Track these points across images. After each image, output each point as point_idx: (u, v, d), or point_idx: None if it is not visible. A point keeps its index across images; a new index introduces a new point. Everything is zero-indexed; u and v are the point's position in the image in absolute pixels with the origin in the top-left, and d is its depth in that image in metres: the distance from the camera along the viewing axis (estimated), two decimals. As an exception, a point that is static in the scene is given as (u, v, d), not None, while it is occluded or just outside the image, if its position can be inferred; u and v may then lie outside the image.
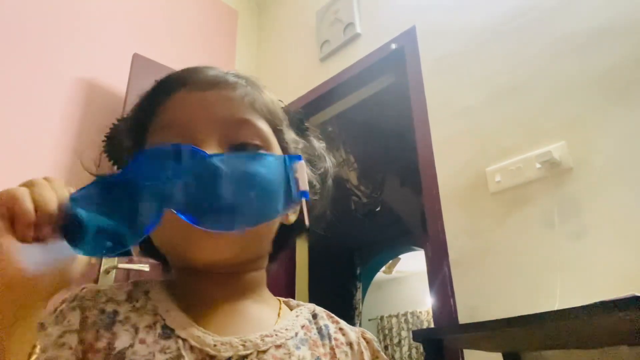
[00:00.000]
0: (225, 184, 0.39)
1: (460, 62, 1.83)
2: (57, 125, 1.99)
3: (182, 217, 0.37)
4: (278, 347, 0.46)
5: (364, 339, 0.55)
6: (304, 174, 0.42)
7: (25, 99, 1.93)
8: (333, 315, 0.57)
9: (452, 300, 1.55)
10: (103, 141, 0.58)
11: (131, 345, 0.41)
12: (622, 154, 1.33)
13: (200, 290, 0.48)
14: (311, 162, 0.57)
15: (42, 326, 0.42)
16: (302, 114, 0.61)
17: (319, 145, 0.61)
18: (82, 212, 0.36)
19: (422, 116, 1.87)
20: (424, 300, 6.37)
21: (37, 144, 1.91)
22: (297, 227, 0.55)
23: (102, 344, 0.41)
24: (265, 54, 2.96)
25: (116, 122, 0.57)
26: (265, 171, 0.41)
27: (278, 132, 0.53)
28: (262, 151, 0.49)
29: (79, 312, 0.43)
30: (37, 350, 0.35)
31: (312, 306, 0.56)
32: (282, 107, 0.58)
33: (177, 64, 2.44)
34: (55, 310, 0.44)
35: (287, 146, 0.54)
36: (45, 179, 0.37)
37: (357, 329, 0.57)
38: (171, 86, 0.50)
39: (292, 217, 0.53)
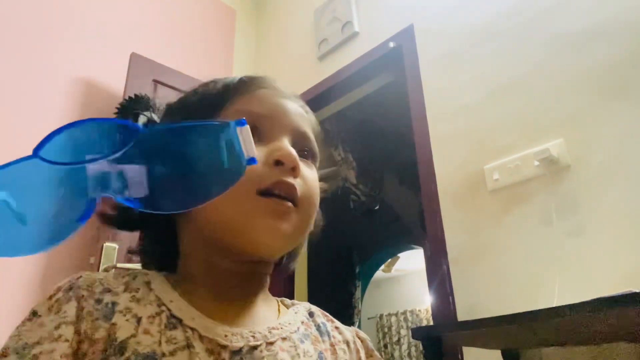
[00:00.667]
0: (165, 159, 0.36)
1: (458, 60, 1.84)
2: (54, 124, 1.98)
3: (125, 203, 0.35)
4: (284, 339, 0.47)
5: (359, 338, 0.56)
6: (250, 139, 0.38)
7: (23, 98, 1.93)
8: (327, 314, 0.58)
9: (451, 298, 1.55)
10: (127, 100, 0.59)
11: (134, 335, 0.41)
12: (620, 152, 1.33)
13: (216, 285, 0.48)
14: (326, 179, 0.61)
15: (35, 314, 0.41)
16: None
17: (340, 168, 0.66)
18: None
19: (420, 114, 1.87)
20: (423, 298, 6.37)
21: (35, 143, 1.90)
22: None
23: (100, 334, 0.40)
24: (263, 53, 2.96)
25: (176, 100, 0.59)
26: (208, 140, 0.38)
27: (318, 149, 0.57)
28: (312, 160, 0.54)
29: (75, 302, 0.42)
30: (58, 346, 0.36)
31: (308, 305, 0.57)
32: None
33: (175, 64, 2.45)
34: (50, 297, 0.43)
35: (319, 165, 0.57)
36: None
37: (351, 328, 0.58)
38: (255, 84, 0.54)
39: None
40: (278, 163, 0.46)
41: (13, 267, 1.68)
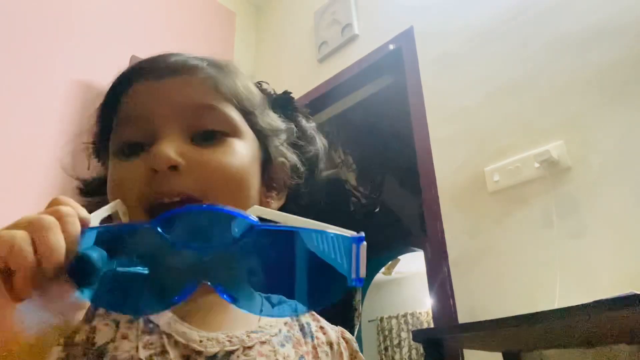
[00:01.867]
0: (274, 261, 0.33)
1: (458, 62, 1.84)
2: (53, 127, 1.99)
3: (222, 295, 0.33)
4: (263, 343, 0.46)
5: (344, 338, 0.55)
6: (364, 258, 0.34)
7: (22, 101, 1.93)
8: (314, 313, 0.56)
9: (451, 300, 1.55)
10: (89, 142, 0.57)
11: (112, 340, 0.40)
12: (620, 153, 1.33)
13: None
14: (297, 145, 0.54)
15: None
16: (288, 95, 0.58)
17: (309, 125, 0.57)
18: (95, 255, 0.29)
19: (421, 116, 1.88)
20: (423, 301, 6.36)
21: (33, 146, 1.91)
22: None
23: (80, 337, 0.40)
24: (263, 56, 2.96)
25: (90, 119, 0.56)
26: (324, 250, 0.33)
27: (250, 116, 0.49)
28: (228, 137, 0.45)
29: None
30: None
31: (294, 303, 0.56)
32: (264, 89, 0.55)
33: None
34: None
35: (262, 130, 0.50)
36: (55, 209, 0.30)
37: (337, 328, 0.56)
38: (131, 76, 0.49)
39: (276, 205, 0.51)
40: (155, 171, 0.41)
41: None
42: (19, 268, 0.26)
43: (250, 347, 0.44)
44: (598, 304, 0.86)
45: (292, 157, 0.52)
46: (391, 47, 2.12)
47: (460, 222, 1.63)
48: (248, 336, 0.45)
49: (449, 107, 1.80)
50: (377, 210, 3.81)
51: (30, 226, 0.27)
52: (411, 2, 2.13)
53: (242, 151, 0.46)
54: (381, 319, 6.81)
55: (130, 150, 0.45)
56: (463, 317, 1.50)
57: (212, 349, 0.42)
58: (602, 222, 1.31)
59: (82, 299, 0.30)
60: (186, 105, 0.45)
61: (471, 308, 1.50)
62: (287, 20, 2.89)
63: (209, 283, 0.32)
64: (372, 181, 3.74)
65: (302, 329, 0.52)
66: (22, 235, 0.27)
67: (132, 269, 0.31)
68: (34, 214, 0.29)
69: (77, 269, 0.29)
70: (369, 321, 6.78)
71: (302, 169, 0.53)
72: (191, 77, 0.47)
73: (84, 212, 0.31)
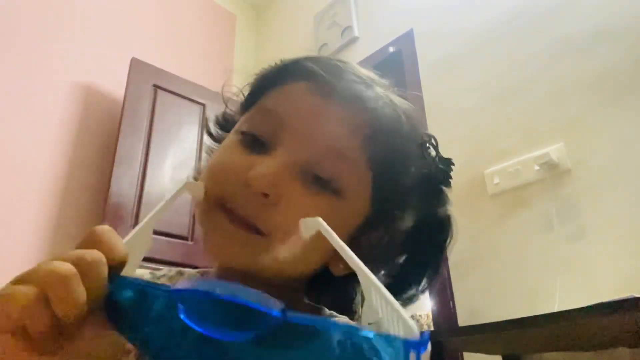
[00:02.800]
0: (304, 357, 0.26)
1: (458, 64, 1.84)
2: (55, 130, 1.99)
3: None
4: None
5: None
6: None
7: (23, 103, 1.93)
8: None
9: (451, 302, 1.55)
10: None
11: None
12: (620, 155, 1.33)
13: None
14: (425, 228, 0.48)
15: None
16: (448, 163, 0.50)
17: (447, 209, 0.50)
18: (128, 296, 0.27)
19: (420, 119, 1.87)
20: (423, 303, 6.35)
21: (34, 148, 1.91)
22: (346, 281, 0.46)
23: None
24: (263, 58, 2.96)
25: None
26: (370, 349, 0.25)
27: (381, 181, 0.42)
28: (333, 194, 0.40)
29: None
30: None
31: (345, 319, 0.51)
32: (427, 150, 0.48)
33: (175, 68, 2.45)
34: None
35: (383, 200, 0.43)
36: (80, 256, 0.26)
37: None
38: (297, 72, 0.44)
39: (341, 271, 0.44)
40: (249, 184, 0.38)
41: (12, 267, 1.68)
42: (34, 330, 0.24)
43: None
44: (598, 307, 0.86)
45: (397, 238, 0.45)
46: (391, 49, 2.12)
47: (461, 224, 1.60)
48: None
49: (448, 110, 1.80)
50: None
51: (44, 281, 0.25)
52: (411, 4, 2.13)
53: (340, 217, 0.40)
54: (381, 321, 6.81)
55: (252, 140, 0.42)
56: (463, 320, 1.50)
57: None
58: (602, 225, 1.31)
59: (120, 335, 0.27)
60: (324, 140, 0.40)
61: (471, 311, 1.50)
62: (287, 23, 2.89)
63: None
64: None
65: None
66: (35, 295, 0.24)
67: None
68: (51, 261, 0.26)
69: (111, 307, 0.27)
70: (369, 324, 6.77)
71: (397, 255, 0.47)
72: (353, 114, 0.41)
73: (119, 248, 0.28)
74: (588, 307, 0.87)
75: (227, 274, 0.44)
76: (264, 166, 0.39)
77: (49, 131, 1.97)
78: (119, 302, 0.27)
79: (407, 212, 0.45)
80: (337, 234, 0.37)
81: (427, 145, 0.49)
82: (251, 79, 0.49)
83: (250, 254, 0.39)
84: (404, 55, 2.05)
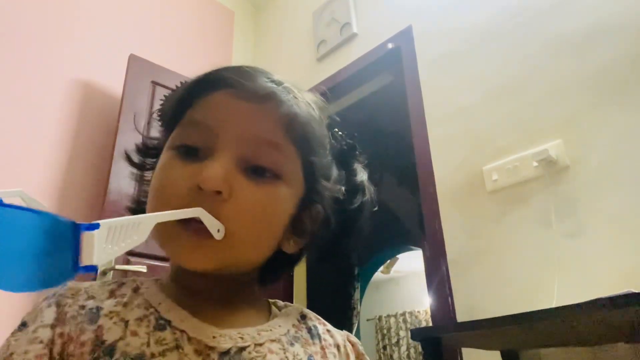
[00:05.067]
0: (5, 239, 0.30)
1: (457, 61, 1.84)
2: (53, 126, 1.98)
3: None
4: (273, 341, 0.46)
5: (350, 342, 0.56)
6: (96, 245, 0.32)
7: (21, 100, 1.92)
8: (320, 317, 0.57)
9: (450, 299, 1.55)
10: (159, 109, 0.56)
11: (122, 338, 0.41)
12: (619, 152, 1.34)
13: (195, 285, 0.48)
14: (346, 195, 0.54)
15: (24, 324, 0.42)
16: (355, 147, 0.58)
17: (361, 178, 0.57)
18: None
19: (419, 116, 1.88)
20: (422, 299, 6.37)
21: (33, 145, 1.90)
22: (295, 259, 0.54)
23: (86, 336, 0.41)
24: (261, 54, 2.96)
25: (166, 97, 0.56)
26: (42, 236, 0.31)
27: (308, 162, 0.49)
28: (278, 180, 0.46)
29: (55, 307, 0.43)
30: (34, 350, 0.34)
31: (300, 307, 0.56)
32: (336, 136, 0.55)
33: (173, 65, 2.44)
34: (35, 307, 0.44)
35: (313, 178, 0.50)
36: None
37: (342, 332, 0.57)
38: (215, 83, 0.48)
39: (292, 248, 0.50)
40: (200, 188, 0.42)
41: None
42: None
43: (261, 344, 0.45)
44: (596, 303, 0.86)
45: (329, 209, 0.51)
46: (390, 46, 2.12)
47: (459, 221, 1.63)
48: (259, 333, 0.46)
49: (447, 106, 1.80)
50: (376, 209, 3.81)
51: None
52: (410, 1, 2.13)
53: (285, 198, 0.47)
54: (380, 318, 6.82)
55: (186, 151, 0.46)
56: (461, 316, 1.51)
57: (225, 344, 0.43)
58: (601, 221, 1.31)
59: None
60: (255, 135, 0.45)
61: (470, 307, 1.51)
62: (285, 19, 2.89)
63: None
64: (370, 180, 3.74)
65: (309, 331, 0.52)
66: None
67: None
68: None
69: None
70: (368, 320, 6.79)
71: (333, 223, 0.52)
72: (271, 109, 0.47)
73: None
74: (586, 303, 0.88)
75: (190, 276, 0.47)
76: (211, 167, 0.43)
77: (47, 128, 1.97)
78: None
79: (332, 185, 0.52)
80: (284, 214, 0.47)
81: (334, 127, 0.56)
82: (164, 103, 0.53)
83: (213, 255, 0.43)
84: (402, 52, 2.05)
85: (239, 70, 0.49)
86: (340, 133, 0.57)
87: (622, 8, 1.45)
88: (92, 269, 0.32)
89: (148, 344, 0.41)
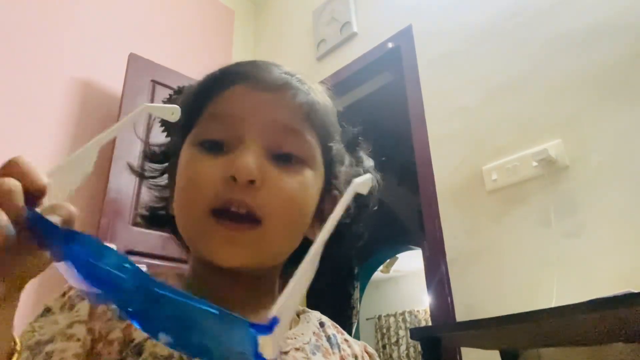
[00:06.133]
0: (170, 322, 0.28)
1: (457, 61, 1.84)
2: (52, 125, 1.98)
3: (135, 324, 0.28)
4: (297, 349, 0.46)
5: (367, 352, 0.55)
6: (277, 341, 0.27)
7: (21, 99, 1.92)
8: (337, 325, 0.57)
9: (449, 298, 1.55)
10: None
11: (149, 337, 0.40)
12: (618, 152, 1.34)
13: (220, 287, 0.46)
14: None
15: (48, 310, 0.41)
16: (359, 130, 0.59)
17: (368, 164, 0.59)
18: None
19: (419, 115, 1.88)
20: (421, 299, 6.37)
21: (32, 144, 1.90)
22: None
23: (115, 334, 0.41)
24: (262, 53, 2.96)
25: (175, 94, 0.58)
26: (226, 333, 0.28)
27: (327, 147, 0.50)
28: (304, 166, 0.47)
29: (88, 301, 0.42)
30: (18, 347, 0.32)
31: (318, 314, 0.56)
32: (342, 125, 0.56)
33: (173, 64, 2.44)
34: (64, 295, 0.43)
35: (331, 163, 0.51)
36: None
37: (360, 342, 0.57)
38: (232, 77, 0.48)
39: (317, 235, 0.49)
40: (234, 179, 0.42)
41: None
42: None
43: (286, 352, 0.45)
44: (595, 303, 0.86)
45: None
46: (390, 45, 2.12)
47: (459, 220, 1.63)
48: (284, 341, 0.46)
49: (447, 106, 1.80)
50: (375, 208, 3.81)
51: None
52: (410, 0, 2.13)
53: (312, 183, 0.47)
54: (379, 317, 6.82)
55: (210, 146, 0.46)
56: (461, 316, 1.51)
57: None
58: (600, 221, 1.31)
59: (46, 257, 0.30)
60: (278, 123, 0.46)
61: (469, 306, 1.51)
62: (285, 18, 2.88)
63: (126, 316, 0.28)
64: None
65: (329, 339, 0.52)
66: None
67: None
68: None
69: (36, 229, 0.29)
70: (367, 319, 6.79)
71: (351, 208, 0.53)
72: (290, 98, 0.47)
73: (37, 177, 0.31)
74: (585, 302, 0.88)
75: (213, 272, 0.45)
76: (244, 158, 0.43)
77: (47, 127, 1.97)
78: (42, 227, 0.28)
79: (347, 169, 0.53)
80: (312, 199, 0.48)
81: (339, 117, 0.57)
82: (180, 101, 0.53)
83: (250, 249, 0.43)
84: (402, 51, 2.05)
85: (253, 63, 0.50)
86: (344, 123, 0.58)
87: (621, 8, 1.45)
88: None
89: None
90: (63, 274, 0.29)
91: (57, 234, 0.29)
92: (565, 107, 1.48)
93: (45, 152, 1.92)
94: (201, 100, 0.49)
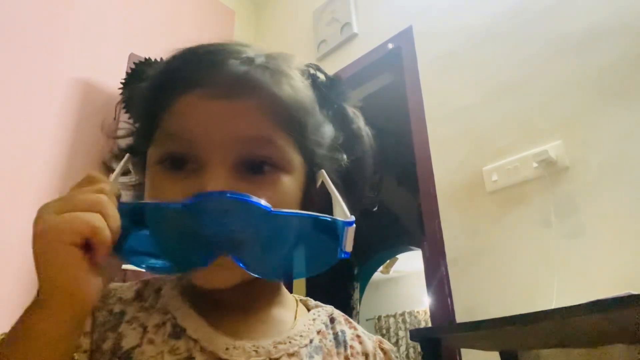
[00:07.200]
0: (283, 239, 0.39)
1: (457, 62, 1.84)
2: (53, 125, 1.98)
3: (238, 263, 0.38)
4: (291, 355, 0.44)
5: (381, 349, 0.53)
6: (352, 237, 0.40)
7: (22, 99, 1.92)
8: (351, 320, 0.55)
9: (449, 299, 1.55)
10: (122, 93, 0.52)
11: (138, 345, 0.41)
12: (618, 153, 1.34)
13: (214, 292, 0.45)
14: (345, 147, 0.50)
15: None
16: (338, 79, 0.53)
17: (357, 122, 0.54)
18: (128, 225, 0.36)
19: (419, 116, 1.88)
20: (421, 300, 6.37)
21: (33, 144, 1.90)
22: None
23: (107, 345, 0.41)
24: (262, 54, 2.96)
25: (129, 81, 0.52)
26: (320, 233, 0.39)
27: (302, 138, 0.45)
28: (278, 171, 0.43)
29: (90, 312, 0.42)
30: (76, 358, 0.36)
31: (331, 309, 0.54)
32: (316, 81, 0.49)
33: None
34: None
35: (309, 152, 0.46)
36: (99, 188, 0.35)
37: (374, 337, 0.54)
38: (179, 85, 0.43)
39: None
40: None
41: (9, 265, 1.68)
42: (100, 245, 0.33)
43: (277, 359, 0.43)
44: (595, 304, 0.86)
45: (333, 172, 0.48)
46: (390, 46, 2.12)
47: (459, 221, 1.63)
48: (275, 347, 0.44)
49: (447, 107, 1.80)
50: (375, 209, 3.81)
51: (93, 204, 0.34)
52: (411, 1, 2.13)
53: (290, 187, 0.44)
54: (379, 318, 6.82)
55: (172, 163, 0.42)
56: (461, 317, 1.50)
57: (238, 357, 0.42)
58: (600, 222, 1.31)
59: (123, 260, 0.37)
60: (240, 136, 0.41)
61: (469, 307, 1.51)
62: (286, 19, 2.88)
63: (228, 255, 0.37)
64: (370, 180, 3.73)
65: (336, 337, 0.50)
66: (97, 217, 0.33)
67: (158, 243, 0.38)
68: (85, 192, 0.35)
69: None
70: (367, 320, 6.78)
71: (338, 181, 0.49)
72: (248, 100, 0.42)
73: (115, 186, 0.37)
74: (585, 304, 0.88)
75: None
76: (211, 183, 0.39)
77: (47, 127, 1.96)
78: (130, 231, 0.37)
79: (330, 149, 0.49)
80: (294, 201, 0.45)
81: (313, 72, 0.50)
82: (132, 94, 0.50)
83: (236, 270, 0.40)
84: (403, 52, 2.05)
85: (202, 60, 0.44)
86: (322, 76, 0.51)
87: (621, 8, 1.45)
88: (348, 254, 0.40)
89: (163, 354, 0.40)
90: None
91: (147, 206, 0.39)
92: (566, 108, 1.48)
93: (45, 152, 1.92)
94: (153, 109, 0.45)
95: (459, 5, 1.91)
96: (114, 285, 0.47)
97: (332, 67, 2.38)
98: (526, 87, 1.59)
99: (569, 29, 1.54)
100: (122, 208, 0.36)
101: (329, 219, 0.39)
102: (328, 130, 0.49)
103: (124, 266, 0.39)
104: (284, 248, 0.39)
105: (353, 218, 0.40)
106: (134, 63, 0.53)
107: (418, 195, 1.83)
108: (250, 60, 0.44)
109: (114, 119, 0.53)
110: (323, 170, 0.46)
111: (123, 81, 0.52)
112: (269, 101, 0.42)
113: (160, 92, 0.45)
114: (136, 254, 0.37)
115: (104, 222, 0.33)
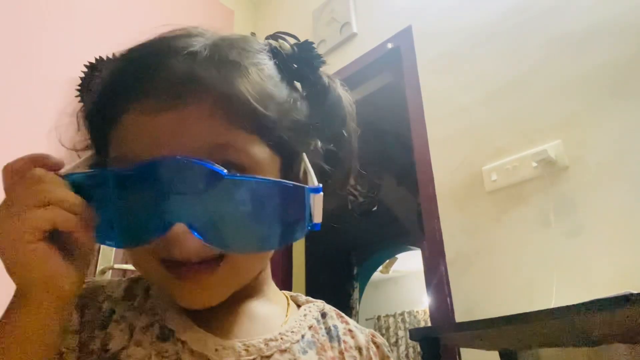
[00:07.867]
0: (240, 207, 0.36)
1: (456, 61, 1.84)
2: (51, 125, 1.98)
3: (193, 232, 0.35)
4: (283, 351, 0.43)
5: (374, 343, 0.52)
6: (320, 206, 0.38)
7: (20, 99, 1.92)
8: (343, 314, 0.54)
9: (448, 299, 1.55)
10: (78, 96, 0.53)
11: (125, 348, 0.40)
12: (618, 152, 1.34)
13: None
14: (324, 120, 0.47)
15: None
16: (304, 43, 0.48)
17: (334, 89, 0.50)
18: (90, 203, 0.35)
19: (419, 115, 1.88)
20: (420, 299, 6.37)
21: (32, 144, 1.90)
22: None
23: (95, 345, 0.40)
24: (261, 54, 2.96)
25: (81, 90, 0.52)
26: (282, 199, 0.37)
27: (269, 129, 0.41)
28: (243, 173, 0.39)
29: (79, 311, 0.42)
30: (64, 357, 0.36)
31: (322, 304, 0.54)
32: (275, 54, 0.45)
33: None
34: None
35: (282, 140, 0.42)
36: (38, 177, 0.35)
37: (367, 331, 0.54)
38: (120, 101, 0.40)
39: None
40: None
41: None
42: (74, 231, 0.34)
43: (268, 357, 0.42)
44: (594, 304, 0.86)
45: (316, 160, 0.46)
46: (389, 46, 2.12)
47: (458, 221, 1.63)
48: (266, 344, 0.43)
49: (447, 106, 1.80)
50: (375, 208, 3.81)
51: (53, 195, 0.33)
52: (410, 1, 2.13)
53: None
54: (378, 318, 6.82)
55: None
56: (460, 316, 1.51)
57: (228, 358, 0.41)
58: (599, 222, 1.31)
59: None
60: (192, 147, 0.37)
61: (468, 307, 1.51)
62: (285, 18, 2.88)
63: (182, 222, 0.35)
64: (370, 180, 3.74)
65: (328, 332, 0.49)
66: (53, 208, 0.33)
67: (109, 213, 0.36)
68: (27, 186, 0.34)
69: None
70: (367, 319, 6.78)
71: (327, 168, 0.47)
72: (196, 107, 0.38)
73: (53, 160, 0.38)
74: (584, 303, 0.88)
75: None
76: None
77: (47, 127, 1.96)
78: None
79: (303, 122, 0.45)
80: None
81: (274, 46, 0.46)
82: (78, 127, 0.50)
83: (218, 289, 0.41)
84: (402, 52, 2.05)
85: (140, 66, 0.41)
86: (288, 45, 0.47)
87: (621, 8, 1.45)
88: (318, 226, 0.39)
89: (150, 357, 0.40)
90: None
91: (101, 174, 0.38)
92: (565, 107, 1.48)
93: (45, 152, 1.92)
94: (102, 128, 0.43)
95: (459, 5, 1.91)
96: (103, 281, 0.47)
97: (331, 66, 2.35)
98: (525, 87, 1.60)
99: (568, 29, 1.54)
100: (71, 180, 0.36)
101: (291, 185, 0.37)
102: (301, 108, 0.45)
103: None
104: (245, 218, 0.36)
105: (320, 185, 0.38)
106: (85, 66, 0.53)
107: (417, 195, 1.83)
108: (193, 56, 0.39)
109: (77, 130, 0.52)
110: (304, 154, 0.44)
111: (78, 88, 0.52)
112: (220, 101, 0.38)
113: (104, 110, 0.42)
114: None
115: (60, 209, 0.33)
